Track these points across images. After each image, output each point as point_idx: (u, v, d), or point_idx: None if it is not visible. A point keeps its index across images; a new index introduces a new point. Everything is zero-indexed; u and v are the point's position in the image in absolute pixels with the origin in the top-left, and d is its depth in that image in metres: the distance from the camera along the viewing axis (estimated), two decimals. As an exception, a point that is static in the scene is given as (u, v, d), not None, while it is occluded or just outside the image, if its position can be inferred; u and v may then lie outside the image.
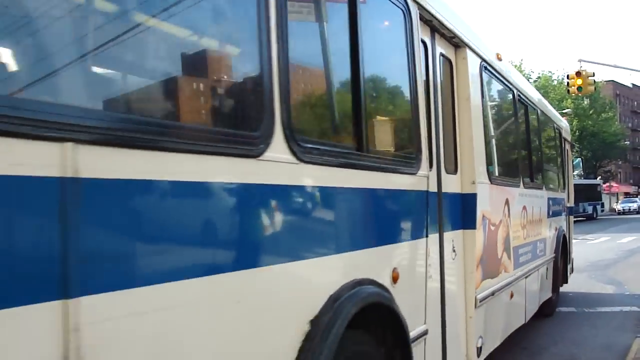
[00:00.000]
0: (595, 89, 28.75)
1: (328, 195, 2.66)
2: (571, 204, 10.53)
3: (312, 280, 2.56)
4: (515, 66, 54.52)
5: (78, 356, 1.59)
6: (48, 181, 1.55)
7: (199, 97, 2.12)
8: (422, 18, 3.80)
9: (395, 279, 3.19)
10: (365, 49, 2.96)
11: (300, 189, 2.46)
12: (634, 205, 60.15)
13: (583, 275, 14.92)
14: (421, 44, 3.77)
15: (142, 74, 1.99)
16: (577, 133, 57.65)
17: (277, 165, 2.33)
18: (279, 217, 2.35)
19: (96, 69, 1.83)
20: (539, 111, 7.85)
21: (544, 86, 54.72)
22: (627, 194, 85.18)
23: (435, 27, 4.08)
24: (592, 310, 10.34)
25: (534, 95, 7.86)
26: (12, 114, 1.51)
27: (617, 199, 78.14)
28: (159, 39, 2.00)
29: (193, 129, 2.01)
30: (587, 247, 24.34)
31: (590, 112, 63.15)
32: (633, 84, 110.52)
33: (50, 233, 1.57)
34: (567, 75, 25.52)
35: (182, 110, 2.01)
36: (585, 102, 63.67)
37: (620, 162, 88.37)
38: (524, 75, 56.51)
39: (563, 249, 9.51)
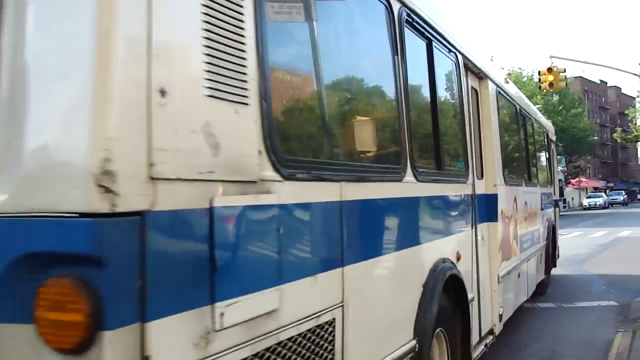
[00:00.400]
0: (566, 84, 29.13)
1: (429, 201, 4.09)
2: (557, 197, 12.07)
3: (423, 259, 3.93)
4: (485, 63, 55.08)
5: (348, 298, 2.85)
6: (335, 203, 2.76)
7: (386, 148, 3.68)
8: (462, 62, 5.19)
9: (458, 259, 4.58)
10: (439, 94, 4.50)
11: (418, 199, 3.88)
12: (600, 201, 61.10)
13: (559, 270, 15.07)
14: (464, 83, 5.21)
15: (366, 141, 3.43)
16: (546, 129, 58.70)
17: (409, 185, 3.72)
18: (410, 217, 3.82)
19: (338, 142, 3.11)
20: (533, 119, 9.37)
21: (515, 82, 55.48)
22: (596, 189, 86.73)
23: (468, 66, 5.37)
24: (570, 305, 10.43)
25: (530, 106, 9.50)
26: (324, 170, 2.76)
27: (587, 193, 79.51)
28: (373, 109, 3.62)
29: (381, 168, 3.49)
30: (561, 242, 24.66)
31: (560, 108, 64.00)
32: (601, 80, 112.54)
33: (335, 230, 2.78)
34: (539, 72, 25.79)
35: (379, 158, 3.55)
36: (555, 98, 64.50)
37: (589, 157, 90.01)
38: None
39: (552, 237, 11.32)
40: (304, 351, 2.43)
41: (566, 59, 27.31)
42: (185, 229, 1.82)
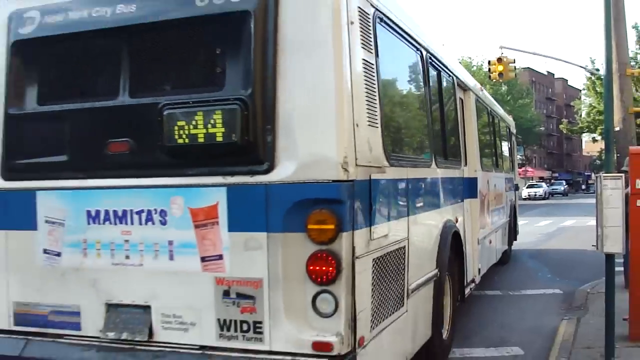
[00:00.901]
0: (515, 75, 29.59)
1: (442, 180, 5.92)
2: (517, 182, 14.37)
3: (440, 217, 5.84)
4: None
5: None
6: (404, 179, 4.67)
7: (423, 148, 5.54)
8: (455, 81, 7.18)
9: (456, 221, 6.49)
10: (446, 106, 6.46)
11: (437, 178, 5.76)
12: (540, 191, 62.19)
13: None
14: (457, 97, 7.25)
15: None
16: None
17: (433, 169, 5.62)
18: (434, 189, 5.62)
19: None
20: (499, 117, 11.53)
21: (464, 72, 56.35)
22: (541, 178, 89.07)
23: (459, 84, 7.33)
24: (517, 293, 10.70)
25: (496, 106, 11.71)
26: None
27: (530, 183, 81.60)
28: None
29: (420, 160, 5.32)
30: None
31: (508, 98, 65.39)
32: (548, 72, 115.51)
33: (405, 194, 4.72)
34: (489, 62, 26.12)
35: (419, 154, 5.47)
36: (504, 88, 65.79)
37: (535, 148, 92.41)
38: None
39: (513, 215, 13.44)
40: (394, 260, 4.37)
41: (515, 50, 27.96)
42: (364, 187, 3.66)
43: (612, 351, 6.23)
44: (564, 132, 73.13)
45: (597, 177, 6.50)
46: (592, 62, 46.01)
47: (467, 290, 7.21)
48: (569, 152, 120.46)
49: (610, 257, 6.34)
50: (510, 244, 13.17)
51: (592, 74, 43.80)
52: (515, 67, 26.54)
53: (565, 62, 44.48)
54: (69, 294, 3.96)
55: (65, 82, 4.08)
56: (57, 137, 4.03)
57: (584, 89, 57.05)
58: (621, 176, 6.45)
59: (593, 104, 52.95)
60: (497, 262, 11.43)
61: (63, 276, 3.98)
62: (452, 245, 5.96)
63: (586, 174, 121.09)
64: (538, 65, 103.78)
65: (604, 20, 6.46)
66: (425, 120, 5.58)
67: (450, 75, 6.81)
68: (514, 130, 15.17)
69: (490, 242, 9.61)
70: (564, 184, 78.96)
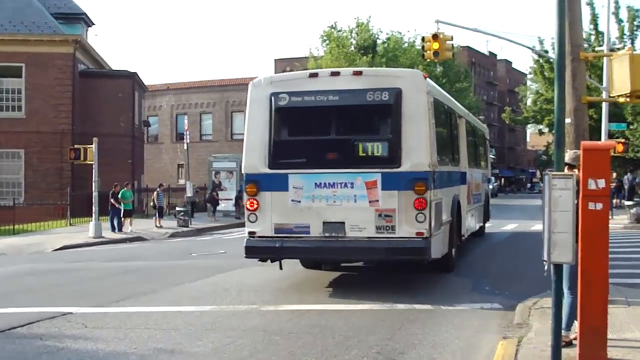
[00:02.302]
0: (452, 55, 29.90)
1: (460, 174, 16.80)
2: (488, 176, 24.85)
3: (453, 191, 15.61)
4: (362, 24, 56.02)
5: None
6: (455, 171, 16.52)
7: (458, 158, 17.18)
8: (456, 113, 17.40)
9: (458, 195, 16.12)
10: (460, 133, 17.90)
11: (459, 172, 16.75)
12: None
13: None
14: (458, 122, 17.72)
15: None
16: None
17: (459, 167, 17.28)
18: (458, 178, 16.74)
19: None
20: (477, 128, 21.51)
21: (394, 49, 56.61)
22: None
23: (458, 115, 17.17)
24: (450, 307, 10.98)
25: (476, 120, 21.46)
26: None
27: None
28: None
29: (455, 164, 16.59)
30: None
31: (444, 81, 66.94)
32: (490, 52, 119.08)
33: (454, 177, 16.22)
34: (423, 38, 25.92)
35: (456, 161, 16.78)
36: (439, 70, 67.20)
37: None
38: (371, 35, 57.63)
39: (486, 200, 23.60)
40: (439, 206, 13.06)
41: (453, 25, 28.29)
42: (433, 174, 12.38)
43: (557, 376, 6.49)
44: (506, 122, 75.55)
45: (544, 175, 6.72)
46: (541, 43, 47.64)
47: (462, 238, 16.38)
48: (511, 145, 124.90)
49: (558, 268, 6.59)
50: (484, 222, 23.31)
51: (540, 56, 45.46)
52: (452, 45, 26.93)
53: (510, 41, 45.82)
54: (303, 218, 12.22)
55: (303, 126, 12.74)
56: (298, 150, 12.62)
57: (530, 74, 59.11)
58: (572, 175, 6.71)
59: (540, 91, 55.04)
60: (476, 233, 21.28)
61: (301, 211, 12.24)
62: (457, 208, 14.88)
63: (530, 170, 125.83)
64: (479, 44, 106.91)
65: (558, -6, 6.68)
66: (448, 142, 14.64)
67: (455, 113, 16.14)
68: (488, 136, 26.20)
69: (472, 215, 19.56)
70: (494, 181, 78.71)
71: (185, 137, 38.06)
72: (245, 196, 13.01)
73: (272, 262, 13.51)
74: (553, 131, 39.83)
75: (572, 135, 10.51)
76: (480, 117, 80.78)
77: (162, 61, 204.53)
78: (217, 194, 38.45)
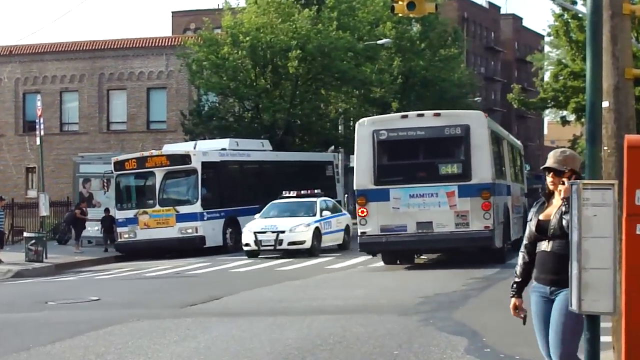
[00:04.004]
0: (436, 7, 29.18)
1: (504, 185, 32.51)
2: (525, 190, 39.94)
3: (504, 199, 31.37)
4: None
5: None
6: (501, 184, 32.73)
7: (505, 171, 34.44)
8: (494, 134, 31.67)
9: (506, 204, 32.63)
10: (504, 153, 33.80)
11: (509, 185, 33.87)
12: None
13: (412, 320, 15.96)
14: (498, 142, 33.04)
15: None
16: (399, 80, 61.20)
17: (507, 181, 34.26)
18: (505, 189, 33.01)
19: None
20: (514, 147, 38.76)
21: (349, 0, 56.51)
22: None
23: (503, 138, 33.41)
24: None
25: (514, 141, 39.91)
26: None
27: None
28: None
29: (505, 176, 33.67)
30: (416, 274, 26.10)
31: (422, 46, 67.29)
32: (490, 3, 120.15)
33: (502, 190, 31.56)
34: (394, -16, 25.81)
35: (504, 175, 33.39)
36: (415, 30, 67.40)
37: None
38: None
39: (524, 212, 35.30)
40: (498, 209, 28.67)
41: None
42: (495, 185, 27.76)
43: None
44: (514, 105, 75.66)
45: (570, 184, 6.76)
46: (565, -9, 48.18)
47: (510, 241, 29.86)
48: (521, 139, 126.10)
49: (593, 321, 6.62)
50: (523, 232, 29.20)
51: (564, 9, 45.87)
52: (437, -8, 27.13)
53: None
54: (401, 220, 26.82)
55: (398, 153, 28.06)
56: (396, 171, 27.79)
57: (549, 35, 59.62)
58: (612, 185, 6.74)
59: (564, 61, 55.33)
60: (518, 239, 26.90)
61: (400, 215, 26.78)
62: (507, 213, 29.95)
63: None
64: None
65: None
66: (499, 161, 29.88)
67: (502, 138, 32.24)
68: (522, 152, 41.06)
69: (515, 223, 31.46)
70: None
71: (37, 126, 37.51)
72: (356, 205, 27.39)
73: (375, 255, 28.46)
74: (583, 120, 35.56)
75: (612, 125, 10.42)
76: (475, 99, 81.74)
77: (2, 12, 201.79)
78: (83, 212, 38.05)
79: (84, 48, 67.03)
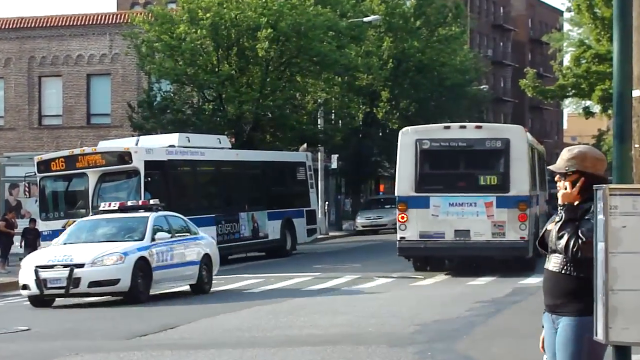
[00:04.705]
0: None
1: (536, 195, 42.35)
2: (546, 197, 46.89)
3: (536, 208, 41.00)
4: None
5: None
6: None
7: (535, 181, 42.69)
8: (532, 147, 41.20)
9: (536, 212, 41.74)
10: (536, 163, 41.85)
11: (538, 195, 42.97)
12: (384, 219, 63.72)
13: (407, 352, 15.98)
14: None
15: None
16: (390, 65, 61.14)
17: (536, 190, 42.70)
18: (537, 199, 43.15)
19: None
20: (541, 153, 47.69)
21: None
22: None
23: (537, 150, 43.52)
24: None
25: (538, 145, 47.18)
26: None
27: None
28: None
29: (536, 187, 42.81)
30: (414, 294, 26.12)
31: (417, 23, 67.45)
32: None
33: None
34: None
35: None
36: (408, 4, 67.55)
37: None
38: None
39: (546, 219, 31.15)
40: (534, 218, 38.11)
41: None
42: (531, 198, 35.55)
43: None
44: (527, 94, 75.86)
45: (595, 189, 6.79)
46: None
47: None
48: (536, 135, 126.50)
49: (624, 353, 6.63)
50: None
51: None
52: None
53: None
54: (440, 227, 33.31)
55: (440, 163, 35.19)
56: (437, 180, 34.69)
57: (569, 10, 59.99)
58: (645, 189, 6.77)
59: (587, 42, 55.72)
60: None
61: (439, 222, 33.34)
62: (538, 222, 36.18)
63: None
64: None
65: None
66: (534, 172, 37.88)
67: (535, 149, 40.78)
68: (545, 157, 48.55)
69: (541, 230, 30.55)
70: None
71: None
72: (397, 211, 33.11)
73: (414, 259, 34.35)
74: (610, 111, 45.91)
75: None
76: (482, 87, 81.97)
77: None
78: (9, 223, 37.97)
79: (10, 26, 66.59)
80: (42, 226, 36.79)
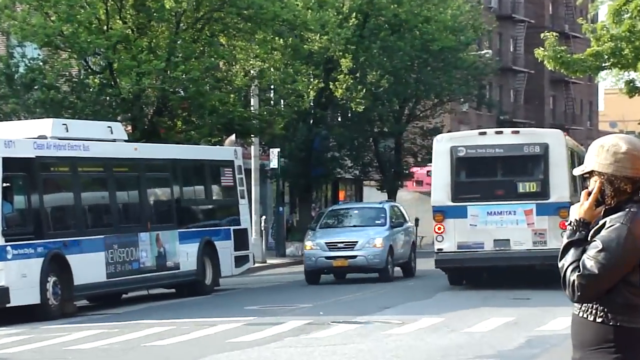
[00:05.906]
0: None
1: (562, 204, 61.19)
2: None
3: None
4: None
5: None
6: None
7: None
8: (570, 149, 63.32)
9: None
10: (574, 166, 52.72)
11: (570, 202, 58.45)
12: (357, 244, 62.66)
13: None
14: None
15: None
16: (353, 21, 61.80)
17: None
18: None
19: None
20: (582, 155, 65.25)
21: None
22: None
23: (577, 153, 63.55)
24: None
25: (580, 149, 67.42)
26: None
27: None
28: None
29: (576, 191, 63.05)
30: (388, 347, 26.19)
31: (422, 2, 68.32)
32: None
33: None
34: None
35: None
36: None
37: (467, 109, 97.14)
38: None
39: None
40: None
41: None
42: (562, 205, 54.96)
43: None
44: (548, 66, 76.66)
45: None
46: None
47: None
48: (561, 120, 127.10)
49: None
50: None
51: None
52: None
53: None
54: (478, 237, 51.84)
55: (477, 170, 55.41)
56: (474, 188, 55.08)
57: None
58: None
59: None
60: None
61: (477, 232, 52.15)
62: None
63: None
64: None
65: None
66: (574, 177, 52.44)
67: (575, 152, 60.62)
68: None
69: None
70: None
71: None
72: (433, 222, 46.51)
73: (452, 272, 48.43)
74: None
75: None
76: (483, 52, 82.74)
77: None
78: None
79: None
80: None
